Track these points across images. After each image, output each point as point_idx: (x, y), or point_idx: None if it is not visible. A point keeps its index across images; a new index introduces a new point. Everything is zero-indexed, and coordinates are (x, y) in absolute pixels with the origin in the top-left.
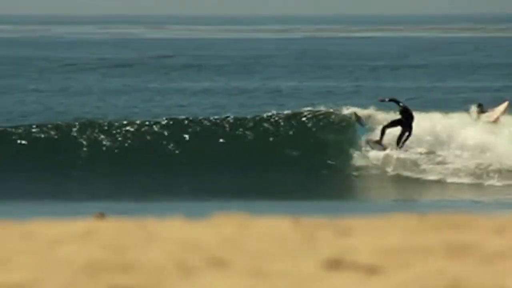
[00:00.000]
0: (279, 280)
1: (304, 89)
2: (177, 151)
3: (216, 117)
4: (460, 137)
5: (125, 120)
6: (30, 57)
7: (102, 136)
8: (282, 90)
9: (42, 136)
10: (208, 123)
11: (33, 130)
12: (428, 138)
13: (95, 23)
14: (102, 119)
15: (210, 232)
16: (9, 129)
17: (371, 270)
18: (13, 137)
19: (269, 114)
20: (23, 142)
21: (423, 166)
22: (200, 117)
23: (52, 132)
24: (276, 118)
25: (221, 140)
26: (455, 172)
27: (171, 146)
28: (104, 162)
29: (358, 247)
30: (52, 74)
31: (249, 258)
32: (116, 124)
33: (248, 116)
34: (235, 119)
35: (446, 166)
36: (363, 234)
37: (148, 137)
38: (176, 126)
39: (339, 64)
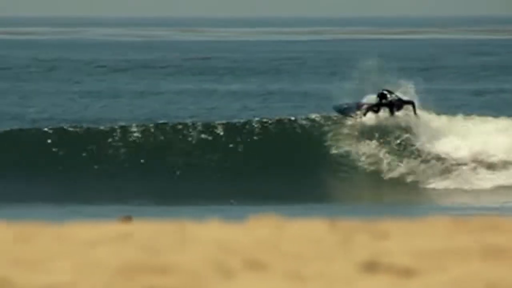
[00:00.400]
0: (316, 282)
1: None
2: (208, 155)
3: (250, 119)
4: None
5: (151, 122)
6: (61, 58)
7: (130, 139)
8: (319, 92)
9: (70, 138)
10: (239, 125)
11: (61, 132)
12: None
13: (121, 25)
14: (128, 121)
15: (247, 235)
16: (38, 131)
17: (407, 273)
18: (45, 139)
19: (298, 116)
20: (53, 144)
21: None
22: (234, 120)
23: (80, 135)
24: (304, 122)
25: (251, 143)
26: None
27: (201, 149)
28: (130, 164)
29: (394, 250)
30: (83, 76)
31: (286, 260)
32: (141, 126)
33: (276, 118)
34: (266, 121)
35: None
36: (399, 237)
37: (177, 140)
38: (206, 128)
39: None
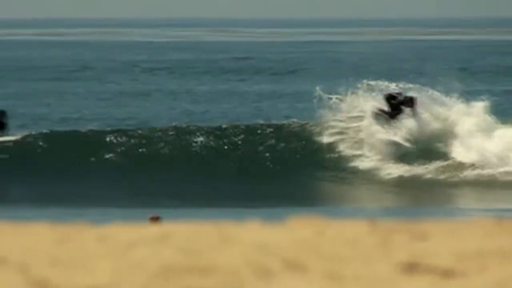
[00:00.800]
0: (355, 283)
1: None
2: (249, 157)
3: (285, 121)
4: None
5: (184, 124)
6: (102, 59)
7: (159, 142)
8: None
9: (108, 140)
10: (272, 128)
11: (100, 134)
12: None
13: (150, 26)
14: (169, 122)
15: (286, 235)
16: (76, 133)
17: (448, 274)
18: (82, 141)
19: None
20: (90, 146)
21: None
22: (269, 122)
23: (120, 138)
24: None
25: (288, 145)
26: None
27: (236, 150)
28: (159, 167)
29: (435, 251)
30: (120, 77)
31: (325, 261)
32: (172, 128)
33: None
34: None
35: None
36: (439, 237)
37: (209, 141)
38: (246, 130)
39: (414, 67)
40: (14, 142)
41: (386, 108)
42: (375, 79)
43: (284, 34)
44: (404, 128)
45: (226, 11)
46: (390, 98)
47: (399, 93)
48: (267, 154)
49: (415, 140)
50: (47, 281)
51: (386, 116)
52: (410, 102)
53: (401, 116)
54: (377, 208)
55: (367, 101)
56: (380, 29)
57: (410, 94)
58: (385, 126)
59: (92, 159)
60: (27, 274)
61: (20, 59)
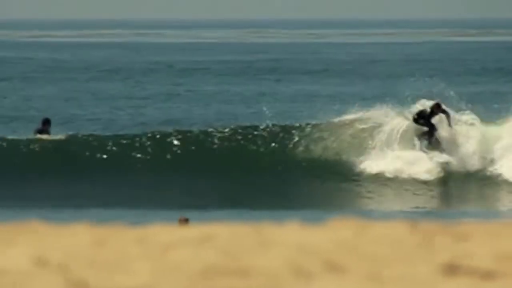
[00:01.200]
0: (396, 284)
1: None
2: (279, 158)
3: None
4: None
5: (210, 127)
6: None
7: (185, 144)
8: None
9: (140, 142)
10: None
11: (132, 137)
12: None
13: (177, 27)
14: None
15: (327, 237)
16: (114, 136)
17: (489, 275)
18: (117, 143)
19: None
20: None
21: None
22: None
23: (153, 140)
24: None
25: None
26: None
27: (270, 152)
28: (184, 169)
29: (476, 252)
30: (156, 78)
31: (366, 263)
32: (199, 131)
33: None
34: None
35: None
36: (481, 239)
37: (244, 142)
38: (271, 132)
39: (453, 68)
40: (54, 143)
41: (423, 128)
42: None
43: (318, 35)
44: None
45: (254, 11)
46: (418, 118)
47: (422, 110)
48: (287, 157)
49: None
50: (86, 282)
51: (428, 137)
52: (437, 108)
53: (439, 129)
54: (420, 210)
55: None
56: (409, 31)
57: (431, 101)
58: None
59: (126, 161)
60: (67, 275)
61: (58, 60)
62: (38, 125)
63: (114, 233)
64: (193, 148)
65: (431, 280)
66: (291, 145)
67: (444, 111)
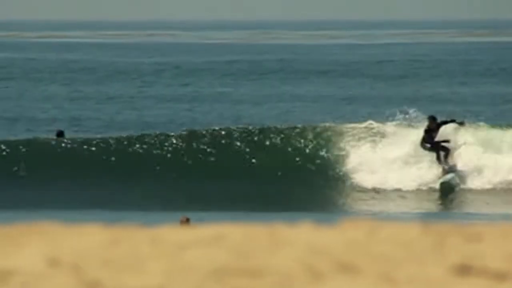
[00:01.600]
0: (408, 285)
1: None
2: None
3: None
4: None
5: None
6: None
7: (201, 145)
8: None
9: (161, 144)
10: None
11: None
12: None
13: (193, 29)
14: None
15: (339, 237)
16: (128, 138)
17: (502, 276)
18: (146, 143)
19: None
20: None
21: None
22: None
23: (166, 142)
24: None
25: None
26: None
27: (285, 153)
28: (199, 170)
29: (488, 253)
30: (177, 79)
31: (378, 263)
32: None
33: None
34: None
35: None
36: (492, 240)
37: (260, 143)
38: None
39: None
40: (73, 144)
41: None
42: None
43: (343, 35)
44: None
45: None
46: (423, 142)
47: (433, 119)
48: (299, 157)
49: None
50: (99, 282)
51: (437, 155)
52: (432, 122)
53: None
54: (432, 212)
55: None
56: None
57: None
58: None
59: (135, 162)
60: (80, 275)
61: (79, 61)
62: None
63: (127, 234)
64: (202, 149)
65: (443, 281)
66: (301, 146)
67: (443, 122)
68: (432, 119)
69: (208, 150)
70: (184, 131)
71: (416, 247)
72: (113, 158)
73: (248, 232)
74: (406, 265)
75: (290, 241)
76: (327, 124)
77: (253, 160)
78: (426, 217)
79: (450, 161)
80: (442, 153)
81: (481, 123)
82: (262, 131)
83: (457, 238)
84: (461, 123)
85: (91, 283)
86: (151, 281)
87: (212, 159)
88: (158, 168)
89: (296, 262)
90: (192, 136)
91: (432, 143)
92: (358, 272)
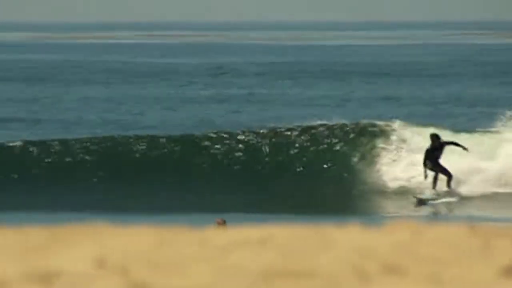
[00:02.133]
0: (455, 287)
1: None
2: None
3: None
4: None
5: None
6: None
7: (222, 147)
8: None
9: (176, 147)
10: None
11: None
12: None
13: (237, 29)
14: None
15: (386, 239)
16: (172, 137)
17: None
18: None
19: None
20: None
21: None
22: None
23: (180, 144)
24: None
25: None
26: None
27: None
28: (227, 173)
29: None
30: (205, 80)
31: (425, 265)
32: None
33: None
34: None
35: None
36: None
37: (282, 145)
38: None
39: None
40: (112, 145)
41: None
42: None
43: (397, 37)
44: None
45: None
46: (426, 162)
47: (436, 137)
48: (323, 157)
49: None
50: (146, 284)
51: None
52: (435, 140)
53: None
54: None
55: None
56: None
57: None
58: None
59: (185, 164)
60: (127, 276)
61: (119, 62)
62: None
63: (174, 235)
64: (237, 150)
65: (491, 282)
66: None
67: (446, 143)
68: (435, 137)
69: (247, 150)
70: (224, 132)
71: (463, 249)
72: (160, 158)
73: (296, 233)
74: (453, 266)
75: (338, 242)
76: (365, 122)
77: (299, 160)
78: (472, 219)
79: (450, 186)
80: (441, 176)
81: None
82: (304, 130)
83: (505, 239)
84: (465, 149)
85: (139, 285)
86: (198, 283)
87: (253, 159)
88: (197, 169)
89: (344, 264)
90: (231, 137)
91: (435, 162)
92: (405, 274)
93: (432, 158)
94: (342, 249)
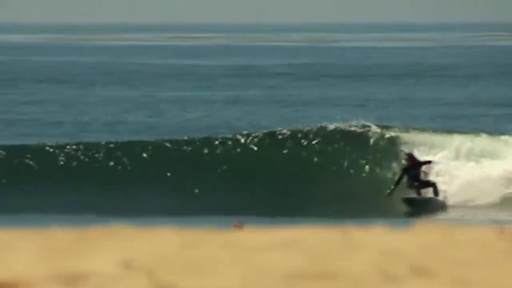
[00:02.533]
0: None
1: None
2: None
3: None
4: None
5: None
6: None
7: (228, 150)
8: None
9: (188, 149)
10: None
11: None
12: None
13: (260, 31)
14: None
15: (413, 241)
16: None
17: None
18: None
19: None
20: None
21: None
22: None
23: (191, 146)
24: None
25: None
26: None
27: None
28: (234, 174)
29: None
30: (219, 81)
31: (453, 267)
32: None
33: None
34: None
35: None
36: None
37: (297, 148)
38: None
39: None
40: (135, 148)
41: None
42: None
43: (413, 39)
44: None
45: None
46: (411, 168)
47: (411, 157)
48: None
49: None
50: (173, 285)
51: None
52: (411, 160)
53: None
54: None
55: None
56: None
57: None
58: None
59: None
60: (154, 278)
61: (145, 64)
62: None
63: (202, 237)
64: (255, 152)
65: None
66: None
67: (421, 163)
68: (410, 157)
69: (265, 153)
70: (244, 134)
71: (491, 251)
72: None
73: (322, 235)
74: (481, 269)
75: (364, 244)
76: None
77: (316, 162)
78: (500, 222)
79: (438, 193)
80: (428, 189)
81: None
82: (324, 131)
83: None
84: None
85: (165, 286)
86: (227, 285)
87: (268, 161)
88: (215, 171)
89: (371, 266)
90: (247, 138)
91: (419, 181)
92: (433, 276)
93: (413, 177)
94: (368, 251)
